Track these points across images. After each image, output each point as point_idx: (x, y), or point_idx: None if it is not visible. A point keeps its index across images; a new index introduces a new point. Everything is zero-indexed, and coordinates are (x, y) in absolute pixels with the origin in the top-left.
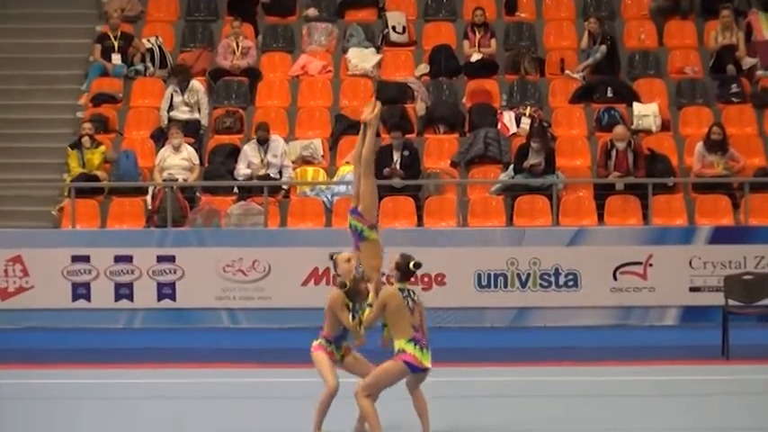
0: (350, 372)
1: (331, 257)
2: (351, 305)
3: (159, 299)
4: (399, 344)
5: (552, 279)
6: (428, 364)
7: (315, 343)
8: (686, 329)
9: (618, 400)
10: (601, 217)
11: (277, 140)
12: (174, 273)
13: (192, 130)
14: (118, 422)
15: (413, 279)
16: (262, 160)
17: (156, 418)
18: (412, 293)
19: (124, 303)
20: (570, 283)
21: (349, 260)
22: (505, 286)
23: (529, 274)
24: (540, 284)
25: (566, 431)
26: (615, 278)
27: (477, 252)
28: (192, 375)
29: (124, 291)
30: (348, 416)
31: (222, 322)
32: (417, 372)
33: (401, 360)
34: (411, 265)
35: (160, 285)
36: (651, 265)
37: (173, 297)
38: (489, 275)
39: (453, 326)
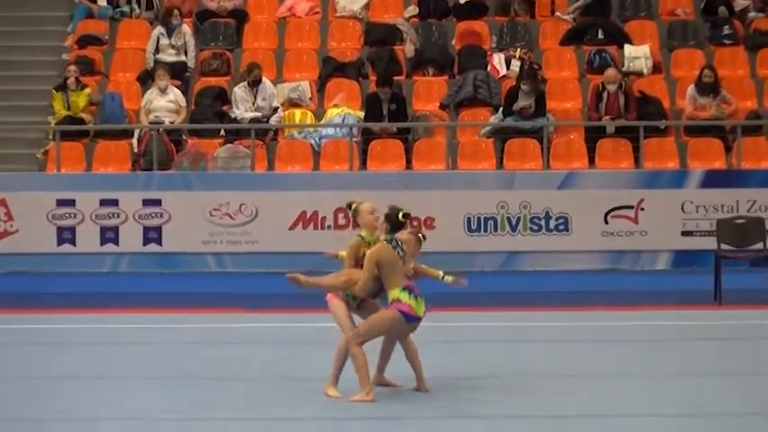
0: (360, 316)
1: (349, 206)
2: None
3: (145, 243)
4: (393, 294)
5: (542, 223)
6: (422, 313)
7: (329, 293)
8: (678, 274)
9: (608, 345)
10: (592, 160)
11: (266, 83)
12: (161, 216)
13: (178, 72)
14: (106, 367)
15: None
16: (253, 103)
17: (144, 362)
18: (399, 243)
19: (110, 247)
20: (561, 227)
21: (372, 212)
22: (495, 230)
23: (519, 218)
24: (531, 228)
25: (555, 375)
26: (606, 222)
27: (467, 195)
28: (178, 320)
29: (110, 235)
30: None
31: (208, 267)
32: (412, 321)
33: (396, 309)
34: (400, 215)
35: (146, 229)
36: (643, 209)
37: (159, 241)
38: (479, 219)
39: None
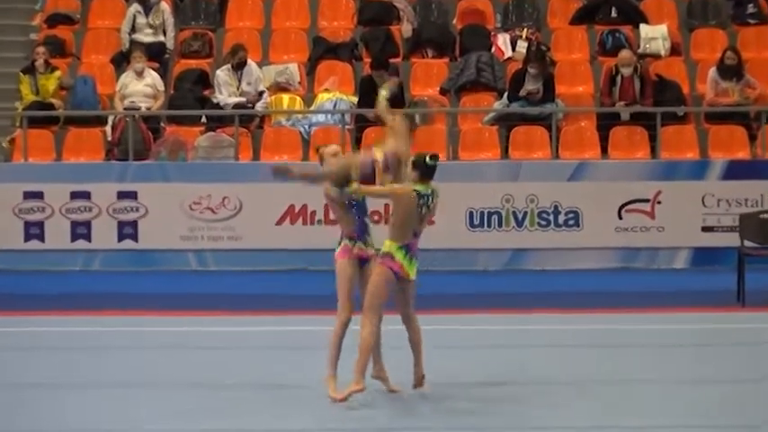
0: (360, 285)
1: (317, 150)
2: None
3: (119, 239)
4: (390, 246)
5: (551, 218)
6: (413, 275)
7: (338, 249)
8: (698, 273)
9: (621, 351)
10: (604, 150)
11: (250, 66)
12: (136, 210)
13: (156, 53)
14: (77, 374)
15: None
16: (237, 87)
17: (119, 369)
18: (429, 199)
19: (81, 244)
20: (571, 223)
21: (336, 154)
22: (500, 225)
23: (525, 213)
24: (538, 224)
25: (563, 383)
26: (620, 217)
27: (469, 188)
28: (156, 323)
29: (81, 230)
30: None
31: (189, 265)
32: (401, 281)
33: (386, 267)
34: (428, 159)
35: (121, 224)
36: (660, 202)
37: (134, 237)
38: (482, 214)
39: (442, 269)
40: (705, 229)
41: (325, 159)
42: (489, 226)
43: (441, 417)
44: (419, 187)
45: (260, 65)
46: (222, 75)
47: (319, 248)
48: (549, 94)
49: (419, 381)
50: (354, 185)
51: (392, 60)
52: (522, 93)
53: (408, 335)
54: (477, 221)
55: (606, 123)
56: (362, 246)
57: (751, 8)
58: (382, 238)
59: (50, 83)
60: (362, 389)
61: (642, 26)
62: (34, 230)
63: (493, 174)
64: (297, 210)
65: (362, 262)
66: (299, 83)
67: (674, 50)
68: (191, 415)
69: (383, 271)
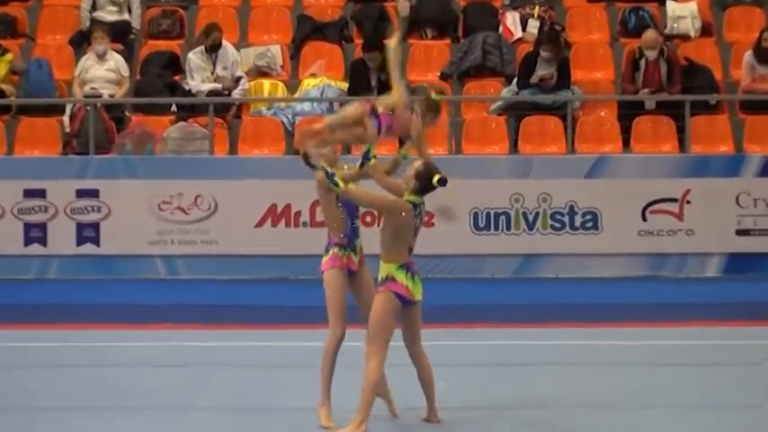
0: (355, 296)
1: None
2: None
3: (79, 243)
4: (388, 269)
5: (566, 220)
6: (419, 295)
7: (325, 257)
8: (732, 282)
9: (645, 371)
10: (626, 143)
11: (226, 47)
12: (98, 211)
13: (120, 33)
14: (30, 395)
15: None
16: (212, 72)
17: (78, 390)
18: (422, 209)
19: (35, 249)
20: (588, 225)
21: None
22: (508, 228)
23: (537, 214)
24: (552, 226)
25: (583, 406)
26: (644, 219)
27: (474, 186)
28: (120, 338)
29: (36, 233)
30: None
31: (157, 273)
32: (407, 305)
33: (389, 290)
34: (435, 180)
35: (80, 227)
36: (689, 202)
37: (96, 241)
38: (488, 215)
39: (444, 277)
40: (740, 232)
41: (311, 155)
42: (496, 229)
43: None
44: (413, 198)
45: (237, 47)
46: (195, 58)
47: (305, 254)
48: (563, 80)
49: (430, 417)
50: (342, 185)
51: (386, 41)
52: (534, 79)
53: (418, 373)
54: (482, 224)
55: (628, 113)
56: (353, 255)
57: None
58: (373, 243)
59: (1, 67)
60: None
61: (669, 3)
62: None
63: (500, 170)
64: (279, 210)
65: (351, 272)
66: (282, 67)
67: (705, 31)
68: None
69: (386, 297)
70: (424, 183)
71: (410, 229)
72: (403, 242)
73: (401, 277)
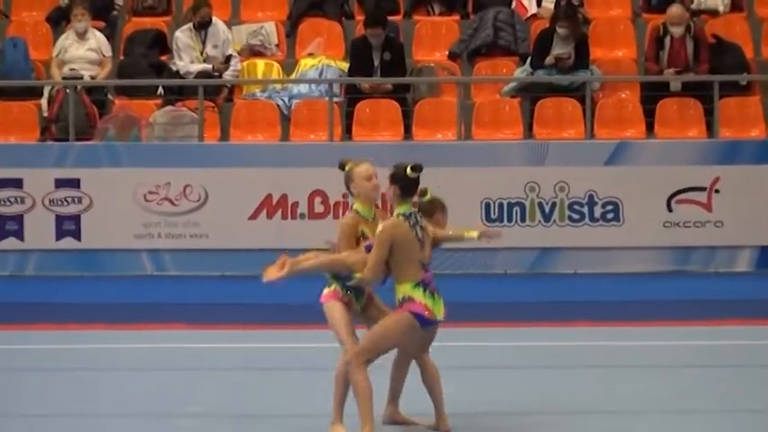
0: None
1: (342, 167)
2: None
3: (58, 237)
4: (404, 290)
5: (585, 210)
6: (441, 315)
7: (326, 290)
8: (764, 277)
9: (672, 372)
10: (650, 127)
11: (217, 25)
12: (79, 202)
13: (102, 10)
14: (2, 399)
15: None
16: (201, 52)
17: (58, 394)
18: (418, 218)
19: (11, 243)
20: (609, 216)
21: (370, 177)
22: (523, 220)
23: (554, 204)
24: (570, 217)
25: (603, 411)
26: (670, 209)
27: (485, 174)
28: (103, 339)
29: (11, 226)
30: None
31: (143, 269)
32: (428, 325)
33: (408, 311)
34: (408, 170)
35: (60, 219)
36: (718, 191)
37: (76, 235)
38: (501, 205)
39: (454, 273)
40: None
41: (355, 181)
42: (510, 220)
43: None
44: (402, 208)
45: (228, 24)
46: (182, 36)
47: (303, 248)
48: (581, 59)
49: (440, 425)
50: (366, 278)
51: (390, 18)
52: (549, 59)
53: (423, 377)
54: (494, 215)
55: (652, 95)
56: (354, 300)
57: None
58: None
59: None
60: None
61: None
62: None
63: (514, 157)
64: (275, 201)
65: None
66: (277, 46)
67: (735, 6)
68: None
69: (402, 317)
70: (401, 181)
71: (412, 242)
72: (411, 258)
73: (419, 296)
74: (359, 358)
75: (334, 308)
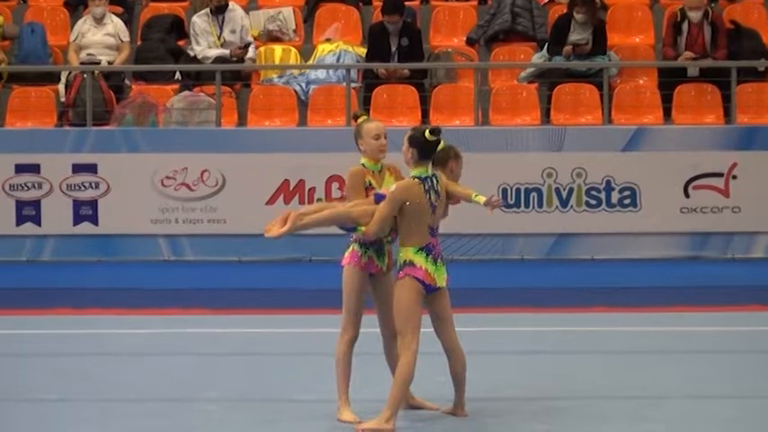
0: (375, 301)
1: (356, 117)
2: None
3: (76, 222)
4: (406, 253)
5: (602, 196)
6: (443, 281)
7: (346, 252)
8: None
9: (689, 359)
10: (668, 112)
11: (234, 10)
12: (96, 187)
13: None
14: (23, 386)
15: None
16: (219, 37)
17: (76, 380)
18: (435, 182)
19: (29, 228)
20: (626, 202)
21: (379, 137)
22: (540, 205)
23: (571, 190)
24: (587, 203)
25: (621, 397)
26: (687, 195)
27: (502, 159)
28: (120, 324)
29: (29, 211)
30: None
31: (160, 254)
32: (430, 291)
33: (409, 276)
34: (427, 133)
35: (77, 204)
36: (735, 176)
37: (94, 220)
38: (518, 191)
39: (470, 259)
40: None
41: (363, 138)
42: (527, 206)
43: None
44: (418, 171)
45: (246, 9)
46: (200, 22)
47: (320, 234)
48: (599, 45)
49: (457, 411)
50: (371, 231)
51: (408, 3)
52: (566, 50)
53: (449, 365)
54: (512, 200)
55: (669, 81)
56: (375, 257)
57: None
58: None
59: None
60: (392, 429)
61: None
62: None
63: (531, 142)
64: (292, 186)
65: (373, 275)
66: (295, 31)
67: None
68: None
69: (406, 284)
70: (420, 144)
71: (424, 206)
72: (419, 222)
73: (420, 261)
74: (403, 341)
75: (350, 276)
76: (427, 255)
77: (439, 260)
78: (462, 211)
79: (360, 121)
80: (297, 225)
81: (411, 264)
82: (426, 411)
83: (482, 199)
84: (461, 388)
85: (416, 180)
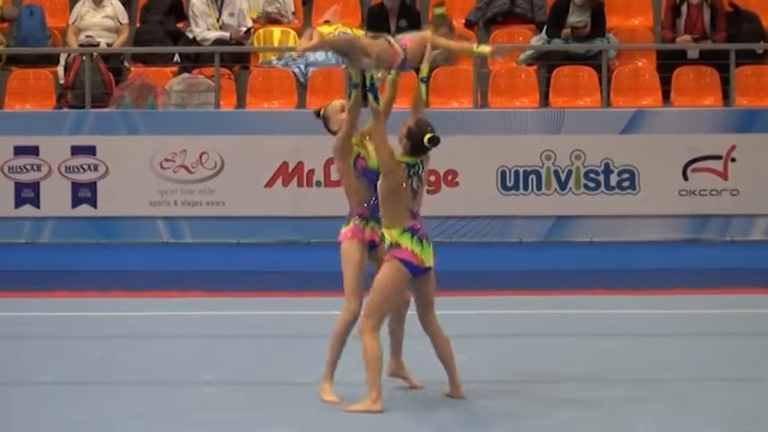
0: (375, 270)
1: (318, 115)
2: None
3: (74, 205)
4: (392, 235)
5: (601, 178)
6: (429, 261)
7: (344, 229)
8: None
9: (688, 341)
10: (666, 95)
11: None
12: (95, 169)
13: None
14: (18, 366)
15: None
16: (217, 19)
17: (74, 362)
18: (420, 168)
19: (27, 210)
20: (625, 185)
21: (343, 110)
22: (539, 188)
23: (570, 172)
24: (585, 185)
25: (618, 379)
26: (686, 177)
27: (501, 142)
28: (118, 307)
29: (28, 193)
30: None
31: (159, 236)
32: (417, 274)
33: (395, 258)
34: (426, 139)
35: (76, 186)
36: (734, 159)
37: (92, 202)
38: (517, 173)
39: (469, 241)
40: None
41: (331, 118)
42: (526, 188)
43: (467, 426)
44: (406, 159)
45: None
46: (199, 3)
47: (319, 216)
48: (598, 28)
49: (453, 392)
50: (379, 105)
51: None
52: (565, 34)
53: (434, 348)
54: (510, 183)
55: (668, 63)
56: (376, 226)
57: None
58: None
59: None
60: (380, 410)
61: None
62: None
63: (530, 125)
64: (291, 168)
65: (372, 245)
66: (293, 13)
67: None
68: (158, 416)
69: (391, 265)
70: (416, 142)
71: (406, 190)
72: (400, 204)
73: (406, 242)
74: (367, 323)
75: (350, 251)
76: (412, 235)
77: (425, 240)
78: (461, 194)
79: (322, 111)
80: (322, 41)
81: (397, 245)
82: (424, 394)
83: (486, 49)
84: (452, 369)
85: (403, 165)
